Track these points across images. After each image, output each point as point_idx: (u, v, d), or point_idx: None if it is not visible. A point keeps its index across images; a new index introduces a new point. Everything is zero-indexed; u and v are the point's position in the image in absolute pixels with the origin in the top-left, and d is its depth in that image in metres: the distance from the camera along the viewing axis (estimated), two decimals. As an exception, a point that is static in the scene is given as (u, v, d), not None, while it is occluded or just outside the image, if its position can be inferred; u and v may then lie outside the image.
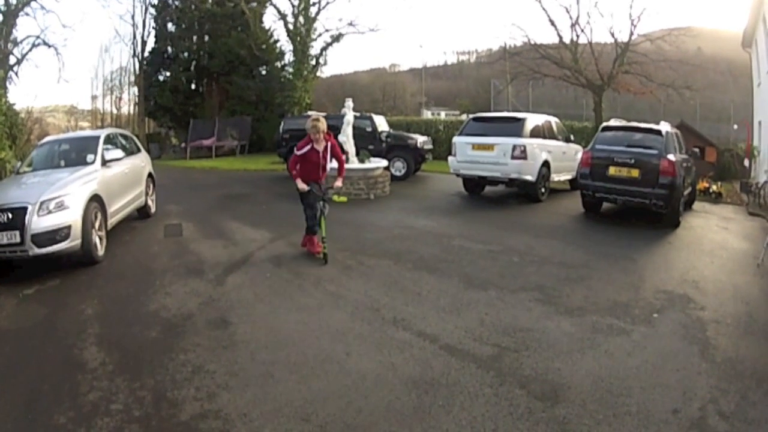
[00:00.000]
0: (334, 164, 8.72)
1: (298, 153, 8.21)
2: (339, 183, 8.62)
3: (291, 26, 31.74)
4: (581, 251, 8.93)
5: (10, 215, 7.38)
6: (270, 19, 46.29)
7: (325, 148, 8.27)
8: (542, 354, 5.07)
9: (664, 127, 11.70)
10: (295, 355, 5.05)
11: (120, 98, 46.96)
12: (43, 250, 7.49)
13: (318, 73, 34.66)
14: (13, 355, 5.27)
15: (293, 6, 31.61)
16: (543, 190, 13.85)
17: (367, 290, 6.80)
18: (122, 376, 4.69)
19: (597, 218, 11.91)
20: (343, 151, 14.81)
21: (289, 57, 35.25)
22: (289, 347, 5.22)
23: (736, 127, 21.86)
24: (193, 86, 37.61)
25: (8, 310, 6.54)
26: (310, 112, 24.85)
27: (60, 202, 7.72)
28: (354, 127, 15.19)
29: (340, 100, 19.80)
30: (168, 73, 36.80)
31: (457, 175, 14.67)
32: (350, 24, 32.34)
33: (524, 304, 6.38)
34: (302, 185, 8.20)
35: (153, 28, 36.83)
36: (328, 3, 31.44)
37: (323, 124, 8.15)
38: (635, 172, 10.87)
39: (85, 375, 4.75)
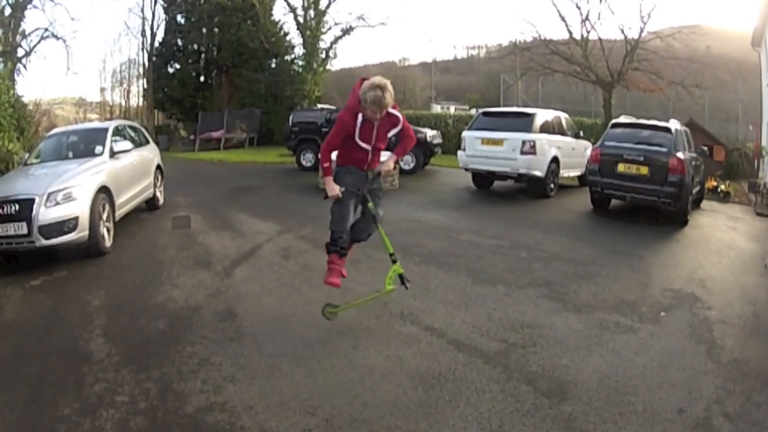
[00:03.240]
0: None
1: (339, 131, 5.29)
2: (389, 164, 5.55)
3: (301, 19, 31.83)
4: (589, 248, 8.90)
5: (17, 206, 7.41)
6: (280, 12, 46.47)
7: (384, 124, 5.34)
8: (549, 350, 5.05)
9: (674, 124, 11.65)
10: (301, 348, 5.05)
11: (129, 90, 47.12)
12: (50, 242, 7.53)
13: (328, 66, 34.84)
14: (19, 346, 5.30)
15: (303, -1, 31.64)
16: (552, 185, 13.79)
17: (375, 284, 6.76)
18: (128, 368, 4.71)
19: (605, 215, 11.88)
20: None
21: (299, 50, 35.39)
22: (295, 340, 5.22)
23: (751, 128, 21.70)
24: (202, 78, 37.72)
25: (15, 301, 6.58)
26: (319, 105, 24.85)
27: (68, 194, 7.75)
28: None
29: (349, 93, 19.77)
30: (177, 66, 36.96)
31: (466, 170, 14.63)
32: (360, 17, 32.48)
33: (532, 300, 6.37)
34: (333, 188, 5.31)
35: (162, 20, 36.97)
36: (338, -4, 31.50)
37: (390, 97, 5.09)
38: (644, 170, 10.83)
39: (90, 366, 4.77)
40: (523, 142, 13.03)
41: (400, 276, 5.41)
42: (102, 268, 7.72)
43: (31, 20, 75.34)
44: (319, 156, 5.55)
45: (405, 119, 5.47)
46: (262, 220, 10.56)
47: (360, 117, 5.21)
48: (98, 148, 9.62)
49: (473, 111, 33.65)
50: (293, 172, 19.23)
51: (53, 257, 7.90)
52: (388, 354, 4.92)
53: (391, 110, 5.25)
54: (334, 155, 5.40)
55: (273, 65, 35.98)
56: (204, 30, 36.56)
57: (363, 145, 5.34)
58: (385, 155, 5.62)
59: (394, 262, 5.39)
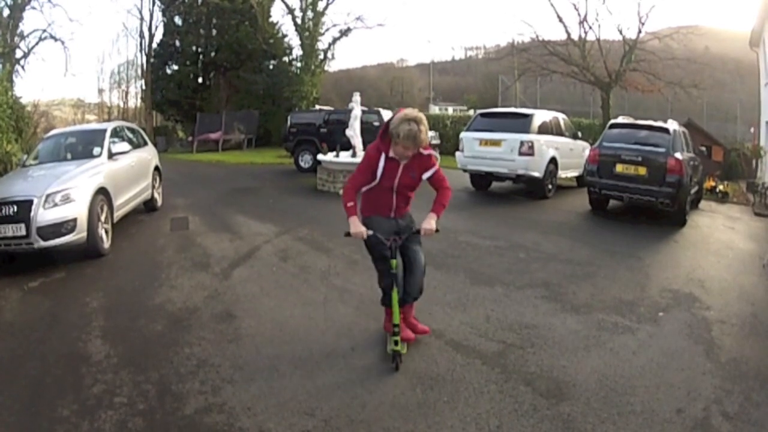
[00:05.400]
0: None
1: (365, 168, 4.74)
2: (431, 224, 4.80)
3: (299, 20, 31.88)
4: (588, 248, 8.90)
5: (15, 208, 7.41)
6: (278, 14, 46.41)
7: (412, 165, 4.76)
8: (548, 351, 5.06)
9: (672, 125, 11.64)
10: (300, 349, 5.05)
11: (127, 92, 47.13)
12: (49, 243, 7.52)
13: (326, 68, 34.95)
14: (18, 348, 5.29)
15: (301, 0, 31.67)
16: (550, 186, 13.79)
17: (373, 284, 6.71)
18: (127, 369, 4.70)
19: (603, 215, 11.88)
20: (351, 146, 14.86)
21: (297, 51, 35.39)
22: (294, 341, 5.22)
23: (752, 130, 21.74)
24: (200, 80, 37.75)
25: (13, 303, 6.57)
26: (317, 107, 24.87)
27: (66, 195, 7.75)
28: (361, 122, 15.22)
29: (347, 94, 19.83)
30: (175, 67, 36.98)
31: (464, 171, 14.60)
32: (358, 18, 32.60)
33: (530, 301, 6.37)
34: (358, 227, 4.64)
35: (160, 21, 36.95)
36: (335, -3, 31.48)
37: (426, 133, 4.54)
38: (642, 170, 10.83)
39: (89, 368, 4.76)
40: (521, 143, 13.01)
41: (394, 353, 4.69)
42: (100, 270, 7.71)
43: (30, 21, 75.11)
44: (341, 195, 4.79)
45: (435, 163, 4.85)
46: (260, 222, 10.55)
47: (383, 157, 4.67)
48: (96, 150, 9.62)
49: (471, 112, 33.67)
50: (291, 174, 19.22)
51: (51, 259, 7.88)
52: (386, 355, 4.91)
53: (423, 150, 4.71)
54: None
55: (271, 67, 35.96)
56: (202, 31, 36.57)
57: (385, 187, 4.79)
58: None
59: (395, 333, 4.67)
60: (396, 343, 4.64)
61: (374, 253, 4.87)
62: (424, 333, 5.15)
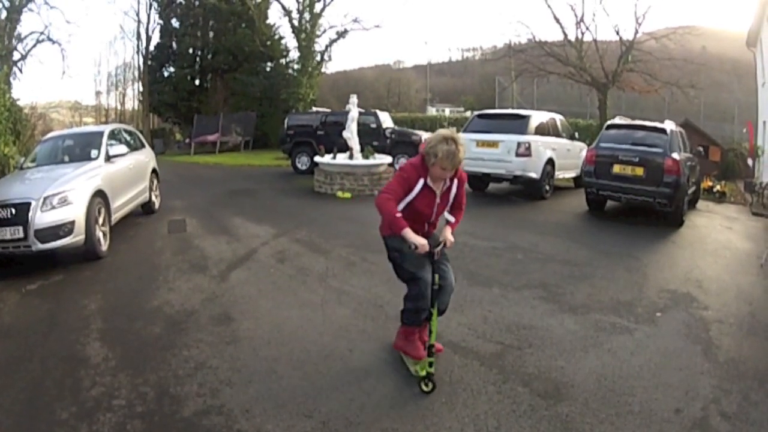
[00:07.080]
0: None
1: (403, 182, 4.39)
2: (449, 235, 4.63)
3: (296, 22, 31.86)
4: (585, 249, 8.91)
5: (13, 210, 7.40)
6: (275, 15, 46.60)
7: (448, 189, 4.56)
8: (545, 352, 5.06)
9: (669, 125, 11.64)
10: (298, 351, 5.04)
11: (124, 94, 47.14)
12: (47, 246, 7.51)
13: (323, 69, 34.90)
14: (16, 350, 5.27)
15: (298, 2, 31.79)
16: (547, 187, 13.82)
17: (371, 286, 6.79)
18: (125, 372, 4.70)
19: (601, 216, 11.89)
20: (348, 148, 14.87)
21: (294, 53, 35.40)
22: (292, 343, 5.22)
23: (744, 131, 21.78)
24: (197, 82, 37.75)
25: (11, 306, 6.54)
26: (314, 108, 24.89)
27: (63, 198, 7.73)
28: (358, 124, 15.21)
29: (344, 96, 19.88)
30: (172, 69, 37.00)
31: (461, 172, 14.54)
32: (355, 20, 32.58)
33: (528, 302, 6.36)
34: (419, 239, 4.27)
35: (157, 23, 36.95)
36: (333, -1, 31.48)
37: (463, 153, 4.28)
38: (639, 171, 10.83)
39: (87, 370, 4.75)
40: (519, 144, 13.03)
41: (427, 376, 4.37)
42: (98, 272, 7.70)
43: (27, 23, 75.46)
44: (378, 207, 4.34)
45: (464, 180, 4.63)
46: (257, 224, 10.55)
47: (422, 183, 4.39)
48: (94, 152, 9.60)
49: (468, 113, 33.72)
50: (289, 175, 19.24)
51: (50, 261, 7.88)
52: (384, 356, 4.92)
53: (461, 186, 4.61)
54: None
55: (268, 69, 36.04)
56: (199, 34, 36.58)
57: (425, 216, 4.57)
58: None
59: (430, 354, 4.41)
60: (431, 365, 4.35)
61: (412, 258, 4.50)
62: (437, 352, 4.89)
